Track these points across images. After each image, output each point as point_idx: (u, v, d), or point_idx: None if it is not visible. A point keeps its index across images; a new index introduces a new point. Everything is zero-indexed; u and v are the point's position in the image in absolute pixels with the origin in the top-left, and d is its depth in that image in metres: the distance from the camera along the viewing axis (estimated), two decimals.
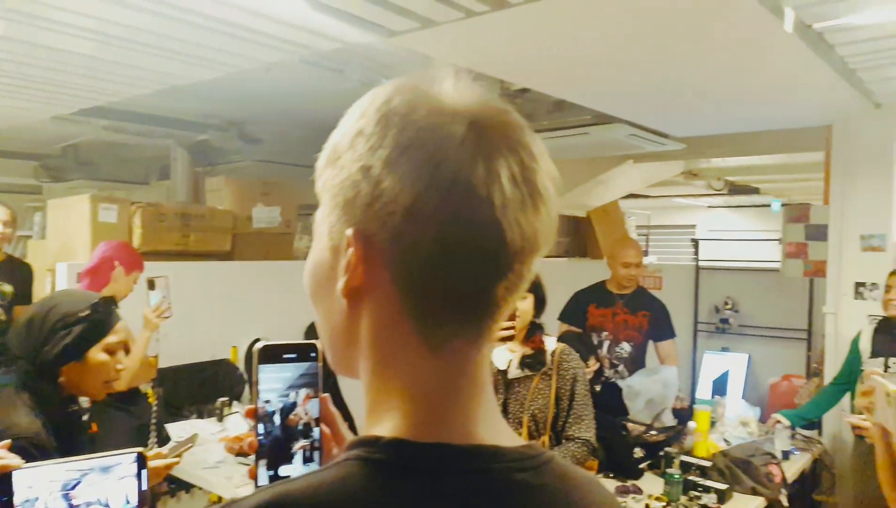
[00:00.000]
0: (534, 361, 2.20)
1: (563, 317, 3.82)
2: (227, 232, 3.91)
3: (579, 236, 6.29)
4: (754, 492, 2.87)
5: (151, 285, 2.72)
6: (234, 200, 4.09)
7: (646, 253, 7.83)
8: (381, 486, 0.50)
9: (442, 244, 0.50)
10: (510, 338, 2.20)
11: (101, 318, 1.62)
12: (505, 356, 2.37)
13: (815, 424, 3.73)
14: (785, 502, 2.97)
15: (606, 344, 3.72)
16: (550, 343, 2.30)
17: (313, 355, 0.66)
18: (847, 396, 3.38)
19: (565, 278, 4.29)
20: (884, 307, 3.22)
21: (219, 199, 4.18)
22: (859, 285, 3.77)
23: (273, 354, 0.65)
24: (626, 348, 3.70)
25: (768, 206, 7.64)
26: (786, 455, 3.31)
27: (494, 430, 0.56)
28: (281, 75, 3.46)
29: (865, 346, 3.24)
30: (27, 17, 2.26)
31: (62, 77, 2.92)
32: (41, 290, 3.73)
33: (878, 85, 3.07)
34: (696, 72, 2.90)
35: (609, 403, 3.32)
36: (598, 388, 3.33)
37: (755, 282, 4.79)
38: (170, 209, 3.74)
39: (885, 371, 3.14)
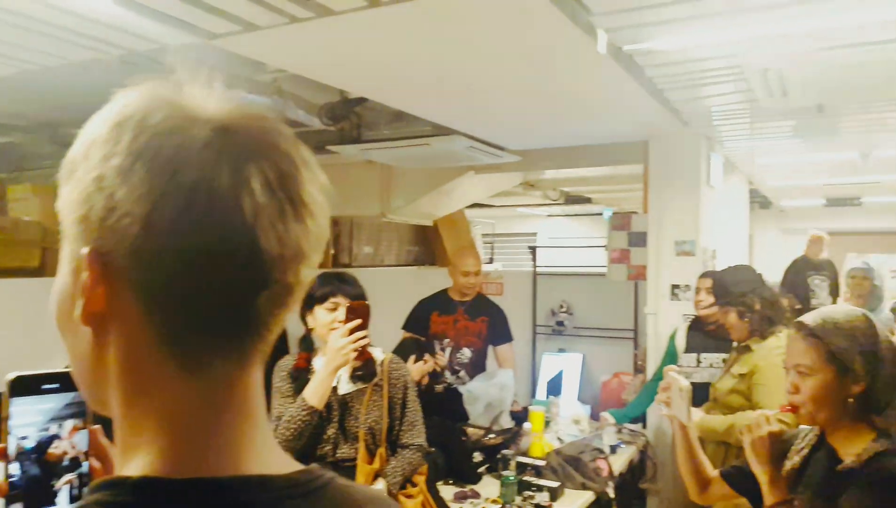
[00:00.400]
0: (365, 373, 2.16)
1: (407, 326, 3.84)
2: (34, 246, 3.53)
3: (427, 245, 6.38)
4: (584, 487, 3.03)
5: None
6: (44, 210, 3.70)
7: (491, 260, 8.12)
8: None
9: (186, 257, 0.46)
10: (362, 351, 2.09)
11: None
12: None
13: (639, 418, 4.02)
14: (611, 493, 3.17)
15: (448, 351, 3.79)
16: (378, 354, 2.27)
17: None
18: None
19: (414, 287, 4.32)
20: (695, 307, 3.54)
21: (25, 209, 3.76)
22: (675, 287, 4.12)
23: (28, 385, 0.59)
24: (466, 353, 3.78)
25: (601, 214, 8.23)
26: (613, 449, 3.54)
27: (264, 458, 0.52)
28: (100, 76, 3.20)
29: (680, 343, 3.54)
30: None
31: None
32: None
33: (684, 105, 3.38)
34: (519, 90, 3.04)
35: (451, 408, 3.38)
36: (438, 388, 3.38)
37: (587, 286, 5.09)
38: None
39: (698, 365, 3.44)
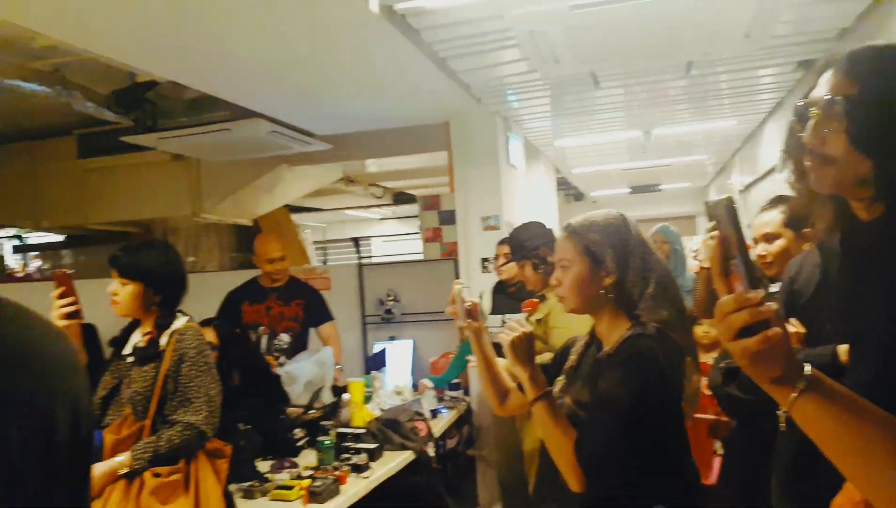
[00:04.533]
0: (145, 348, 2.16)
1: (219, 317, 3.71)
2: None
3: (252, 249, 6.19)
4: (403, 447, 3.09)
5: None
6: None
7: (325, 263, 8.07)
8: None
9: None
10: None
11: None
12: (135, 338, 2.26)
13: (460, 385, 4.17)
14: (431, 452, 3.25)
15: (265, 339, 3.71)
16: (177, 324, 2.22)
17: None
18: None
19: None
20: (496, 271, 3.74)
21: None
22: (484, 260, 4.34)
23: None
24: (285, 338, 3.73)
25: None
26: (434, 413, 3.63)
27: None
28: None
29: (486, 305, 3.72)
30: None
31: None
32: None
33: (471, 76, 3.57)
34: (303, 58, 3.04)
35: (270, 392, 3.30)
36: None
37: (412, 273, 5.20)
38: None
39: (503, 325, 3.64)
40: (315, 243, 8.26)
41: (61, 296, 2.00)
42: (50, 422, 0.56)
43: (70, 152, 4.87)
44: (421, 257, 4.93)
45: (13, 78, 3.59)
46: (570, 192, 9.50)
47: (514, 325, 1.66)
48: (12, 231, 6.93)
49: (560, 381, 1.66)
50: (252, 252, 3.92)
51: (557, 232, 3.33)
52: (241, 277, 4.09)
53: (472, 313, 1.86)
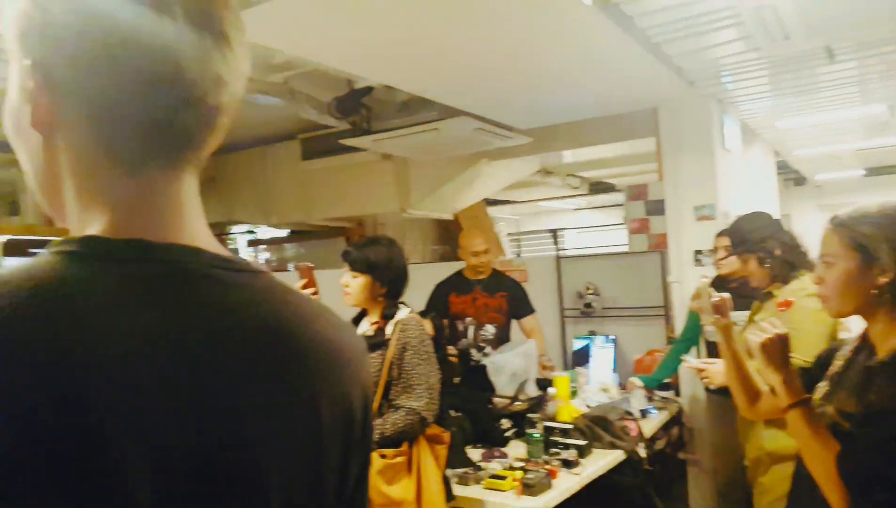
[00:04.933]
0: (373, 341, 2.31)
1: (429, 309, 3.88)
2: None
3: (452, 243, 6.43)
4: (612, 446, 3.01)
5: None
6: None
7: (518, 256, 8.11)
8: (66, 269, 0.51)
9: (116, 70, 0.52)
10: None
11: None
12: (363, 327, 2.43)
13: (670, 386, 3.96)
14: (642, 453, 3.13)
15: (472, 329, 3.82)
16: (401, 314, 2.36)
17: None
18: (693, 352, 3.63)
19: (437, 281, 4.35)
20: (715, 266, 3.50)
21: None
22: (698, 252, 4.08)
23: (18, 247, 0.67)
24: (490, 330, 3.81)
25: None
26: (643, 413, 3.49)
27: (199, 243, 0.58)
28: None
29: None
30: None
31: None
32: None
33: (685, 59, 3.36)
34: (514, 55, 3.06)
35: (477, 382, 3.40)
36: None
37: (613, 265, 5.05)
38: None
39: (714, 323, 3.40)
40: (509, 235, 8.35)
41: (304, 287, 2.20)
42: (349, 404, 0.63)
43: (295, 155, 5.38)
44: (624, 249, 4.76)
45: (253, 92, 4.04)
46: (789, 176, 8.65)
47: (766, 326, 1.53)
48: (245, 227, 7.82)
49: (822, 387, 1.50)
50: (451, 245, 4.05)
51: (783, 222, 3.04)
52: (441, 269, 4.24)
53: (721, 308, 1.76)
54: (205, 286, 0.56)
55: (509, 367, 3.38)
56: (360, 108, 4.05)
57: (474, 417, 3.07)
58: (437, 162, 5.00)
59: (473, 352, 3.67)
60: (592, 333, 5.14)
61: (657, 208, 4.26)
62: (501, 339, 3.78)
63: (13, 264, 0.52)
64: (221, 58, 0.56)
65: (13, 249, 0.69)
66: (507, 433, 3.10)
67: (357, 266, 2.38)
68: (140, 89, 0.53)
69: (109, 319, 0.49)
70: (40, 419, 0.44)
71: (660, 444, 4.22)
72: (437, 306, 3.82)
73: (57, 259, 0.52)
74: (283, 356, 0.58)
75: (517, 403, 3.27)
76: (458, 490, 2.51)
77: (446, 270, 4.15)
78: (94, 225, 0.55)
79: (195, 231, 0.59)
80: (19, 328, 0.45)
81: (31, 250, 0.70)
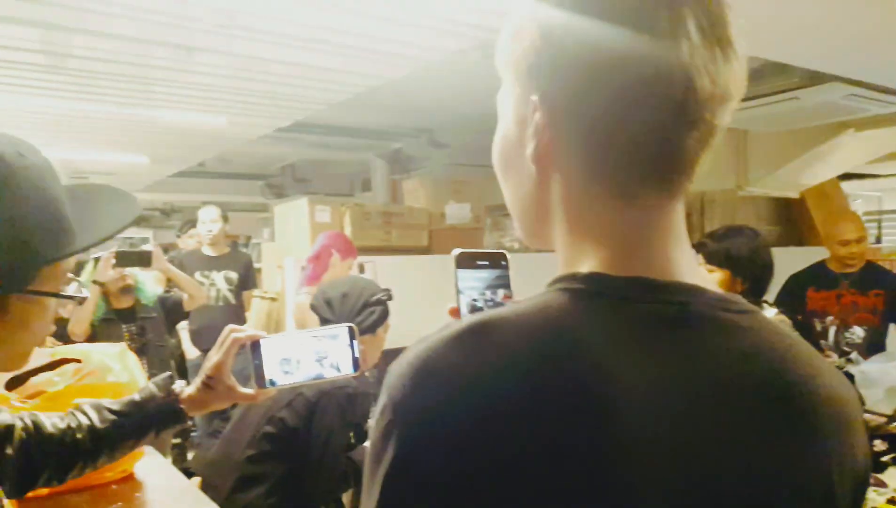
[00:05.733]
0: None
1: (778, 304, 3.49)
2: (423, 228, 4.18)
3: (791, 224, 5.71)
4: None
5: (362, 269, 3.12)
6: (429, 199, 4.32)
7: (878, 241, 6.88)
8: (580, 310, 0.51)
9: (623, 99, 0.51)
10: None
11: (388, 302, 1.99)
12: None
13: None
14: None
15: (832, 330, 3.35)
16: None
17: (504, 263, 0.72)
18: None
19: (778, 269, 3.90)
20: None
21: (415, 199, 4.44)
22: None
23: (468, 259, 0.71)
24: (858, 332, 3.31)
25: None
26: None
27: (695, 278, 0.55)
28: (461, 80, 3.63)
29: None
30: (247, 32, 2.57)
31: (278, 88, 3.28)
32: (272, 282, 4.24)
33: None
34: None
35: None
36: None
37: None
38: (373, 209, 4.16)
39: None
40: (865, 214, 7.15)
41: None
42: (859, 476, 0.56)
43: None
44: None
45: None
46: None
47: None
48: None
49: None
50: (789, 227, 3.56)
51: None
52: (780, 254, 3.76)
53: None
54: (711, 331, 0.52)
55: (885, 380, 2.88)
56: None
57: None
58: (780, 134, 4.45)
59: (835, 358, 3.21)
60: None
61: None
62: (873, 344, 3.24)
63: (508, 309, 0.52)
64: (730, 71, 0.51)
65: (465, 261, 0.72)
66: (884, 459, 2.64)
67: (714, 259, 2.20)
68: (646, 116, 0.51)
69: (624, 366, 0.48)
70: (582, 469, 0.45)
71: None
72: (791, 301, 3.41)
73: (565, 298, 0.51)
74: (793, 415, 0.53)
75: (894, 424, 2.78)
76: None
77: (785, 255, 3.67)
78: (588, 259, 0.54)
79: (686, 266, 0.55)
80: (548, 375, 0.46)
81: (479, 263, 0.72)
